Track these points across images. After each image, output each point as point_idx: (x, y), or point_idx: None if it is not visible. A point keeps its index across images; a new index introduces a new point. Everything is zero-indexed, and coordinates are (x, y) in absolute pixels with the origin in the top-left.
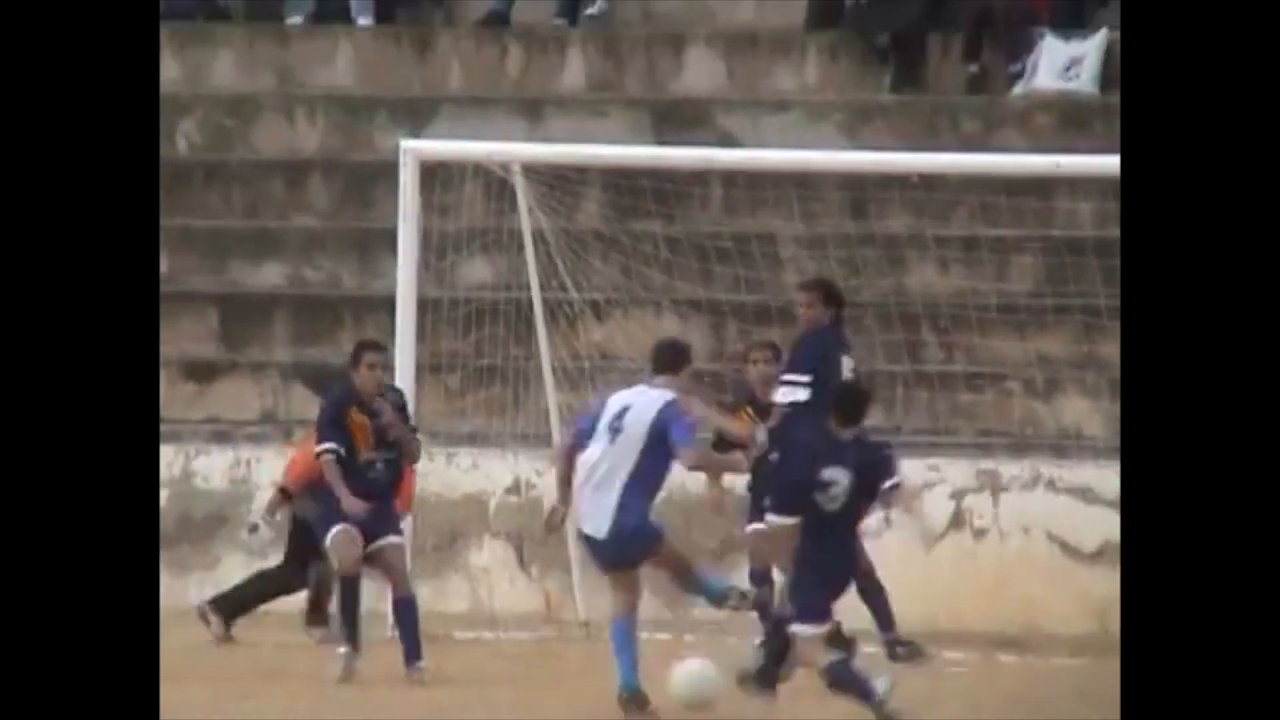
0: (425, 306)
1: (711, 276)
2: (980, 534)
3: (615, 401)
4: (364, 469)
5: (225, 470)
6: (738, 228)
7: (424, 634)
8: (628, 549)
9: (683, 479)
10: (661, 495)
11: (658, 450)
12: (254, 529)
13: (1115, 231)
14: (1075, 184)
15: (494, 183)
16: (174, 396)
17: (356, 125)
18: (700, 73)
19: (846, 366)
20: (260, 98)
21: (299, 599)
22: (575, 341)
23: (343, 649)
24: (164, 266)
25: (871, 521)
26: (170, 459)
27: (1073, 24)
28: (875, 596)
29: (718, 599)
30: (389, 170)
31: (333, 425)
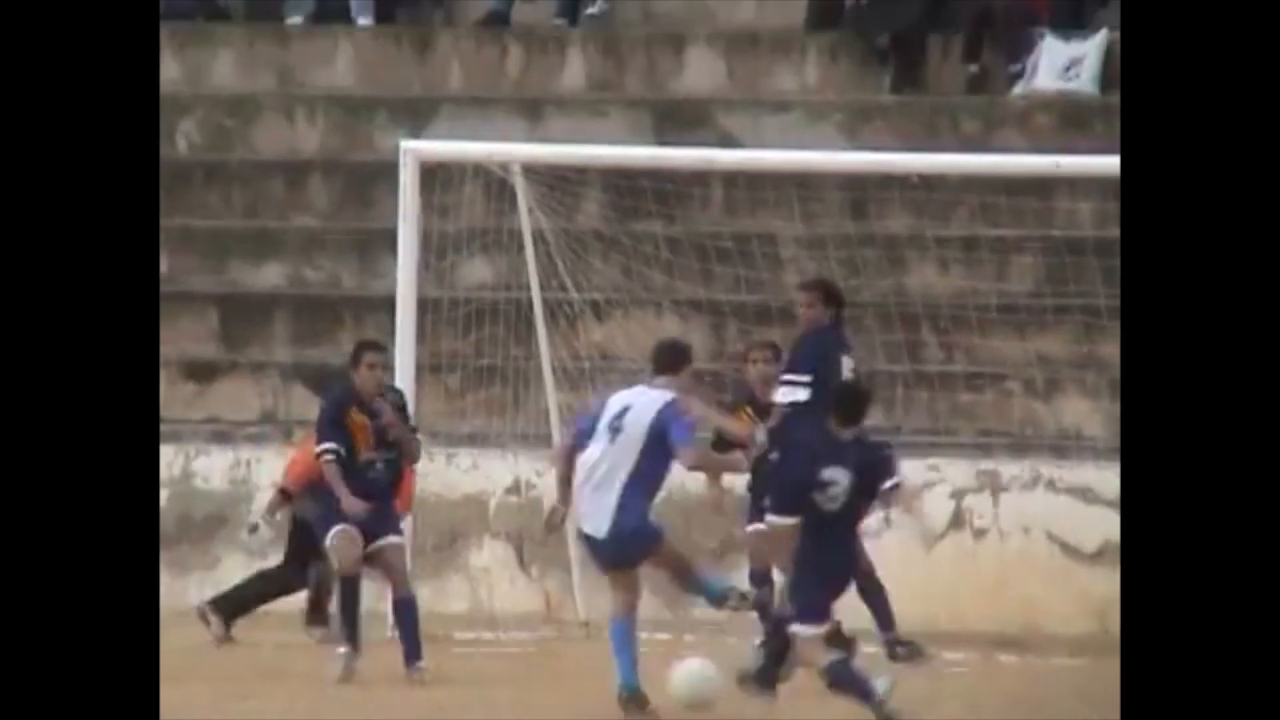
0: (425, 307)
1: (712, 277)
2: (980, 534)
3: (615, 401)
4: (364, 469)
5: (225, 470)
6: (738, 228)
7: (424, 634)
8: (627, 549)
9: (682, 479)
10: (661, 495)
11: (657, 450)
12: (254, 529)
13: (1115, 232)
14: (1075, 184)
15: (494, 183)
16: (174, 396)
17: (356, 125)
18: (700, 73)
19: (846, 366)
20: (260, 98)
21: (299, 599)
22: (575, 342)
23: (343, 649)
24: (164, 266)
25: (871, 521)
26: (170, 459)
27: (1073, 24)
28: (875, 596)
29: (717, 599)
30: (389, 170)
31: (333, 425)
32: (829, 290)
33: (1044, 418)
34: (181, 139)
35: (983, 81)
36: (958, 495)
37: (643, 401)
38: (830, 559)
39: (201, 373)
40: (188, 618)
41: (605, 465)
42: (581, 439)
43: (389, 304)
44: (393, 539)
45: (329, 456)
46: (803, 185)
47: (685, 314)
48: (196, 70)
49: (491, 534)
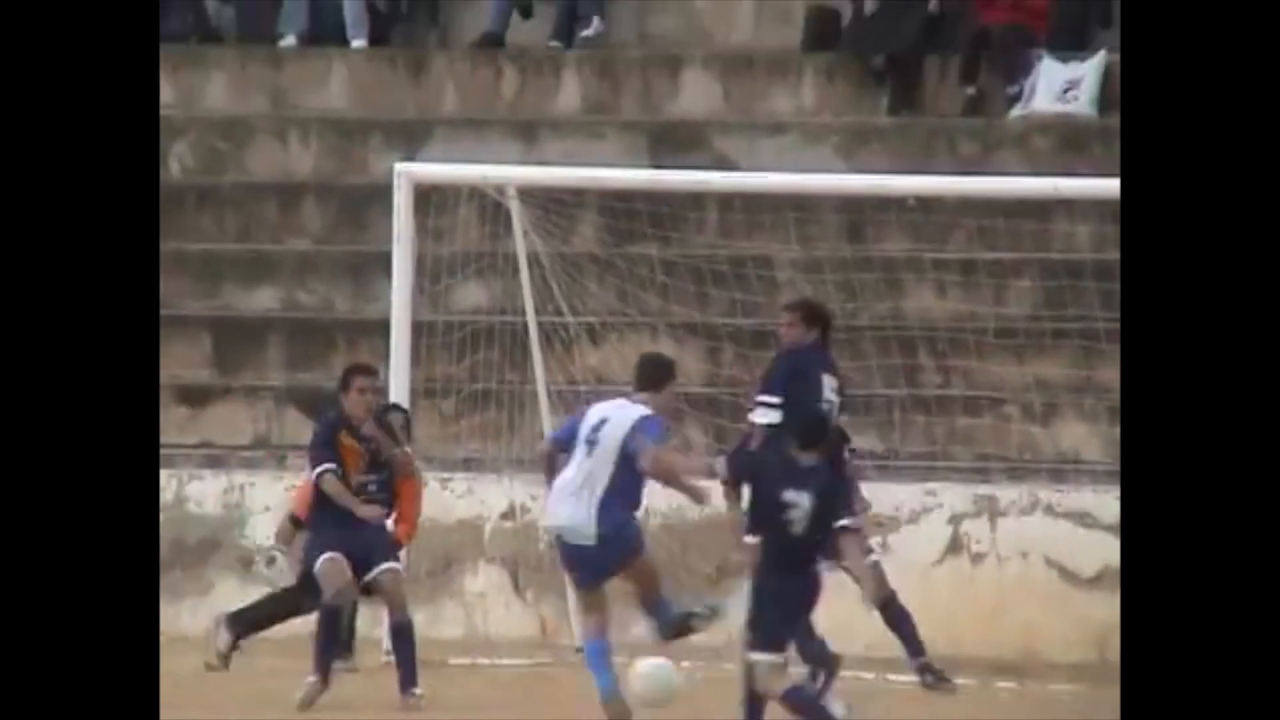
0: (420, 330)
1: (708, 300)
2: (978, 559)
3: (594, 413)
4: (356, 493)
5: (218, 495)
6: (734, 251)
7: (419, 660)
8: (614, 553)
9: (679, 504)
10: (657, 520)
11: (631, 465)
12: (271, 561)
13: (1113, 255)
14: (1073, 207)
15: (489, 206)
16: (167, 421)
17: (350, 148)
18: (696, 95)
19: (829, 387)
20: (253, 120)
21: (297, 625)
22: (571, 366)
23: (311, 677)
24: None
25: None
26: (163, 484)
27: (1070, 46)
28: (901, 624)
29: (671, 626)
30: (383, 193)
31: (325, 447)
32: (810, 310)
33: (1042, 442)
34: (174, 162)
35: (980, 103)
36: (955, 520)
37: (620, 415)
38: (790, 586)
39: (195, 397)
40: (183, 644)
41: (582, 477)
42: (558, 446)
43: (383, 328)
44: (389, 565)
45: (329, 475)
46: (799, 208)
47: (681, 337)
48: (189, 93)
49: (486, 559)
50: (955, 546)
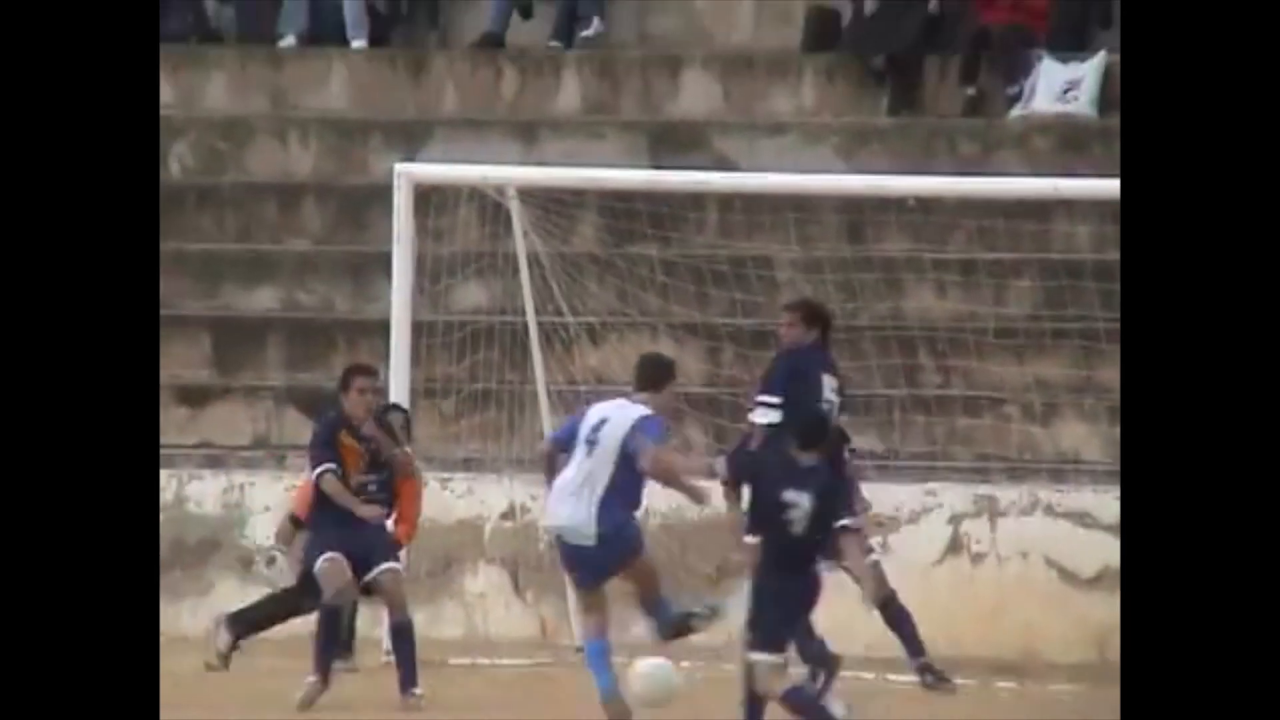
0: (420, 331)
1: (708, 300)
2: (978, 559)
3: (594, 413)
4: (356, 493)
5: (218, 495)
6: (734, 251)
7: (419, 660)
8: (614, 552)
9: (679, 504)
10: (656, 520)
11: (631, 465)
12: (272, 561)
13: (1113, 255)
14: (1073, 207)
15: (489, 206)
16: (167, 421)
17: (350, 148)
18: (696, 95)
19: (829, 387)
20: (253, 120)
21: (297, 625)
22: (571, 366)
23: (311, 677)
24: None
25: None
26: (163, 484)
27: (1070, 46)
28: (901, 623)
29: (670, 626)
30: (383, 193)
31: (325, 447)
32: (809, 310)
33: (1042, 442)
34: (174, 162)
35: (980, 104)
36: (955, 520)
37: (619, 415)
38: (789, 586)
39: (194, 397)
40: (183, 644)
41: (582, 476)
42: (558, 446)
43: (383, 328)
44: (389, 565)
45: (329, 475)
46: (799, 208)
47: (681, 337)
48: (189, 93)
49: (487, 559)
50: (955, 546)
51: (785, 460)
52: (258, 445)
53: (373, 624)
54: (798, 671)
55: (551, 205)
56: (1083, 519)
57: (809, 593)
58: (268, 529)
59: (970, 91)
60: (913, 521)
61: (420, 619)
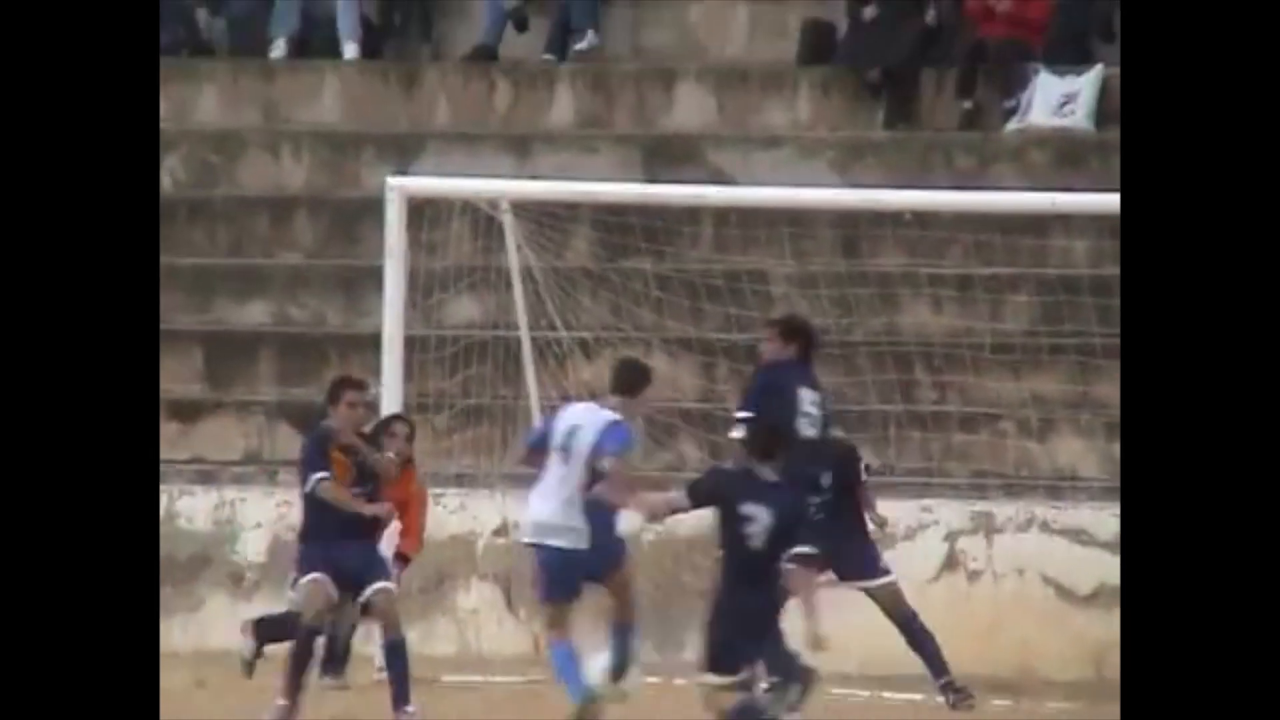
0: (412, 345)
1: (702, 315)
2: (974, 576)
3: (565, 420)
4: (341, 509)
5: (209, 511)
6: (729, 265)
7: (412, 677)
8: (606, 556)
9: (671, 521)
10: (649, 537)
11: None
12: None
13: (1110, 270)
14: (1070, 222)
15: (482, 220)
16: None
17: (343, 161)
18: (691, 108)
19: (808, 401)
20: (245, 134)
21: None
22: (564, 381)
23: (281, 700)
24: None
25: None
26: None
27: (1067, 60)
28: (923, 643)
29: (614, 671)
30: (375, 207)
31: (320, 457)
32: (788, 326)
33: (1039, 458)
34: (166, 175)
35: (976, 117)
36: (951, 537)
37: (590, 420)
38: (749, 604)
39: (186, 412)
40: (173, 660)
41: (558, 482)
42: (533, 452)
43: (375, 342)
44: (381, 584)
45: (325, 483)
46: (794, 222)
47: (675, 352)
48: (181, 106)
49: (479, 575)
50: (951, 563)
51: (746, 474)
52: (249, 460)
53: (364, 641)
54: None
55: (545, 219)
56: (1079, 536)
57: (770, 610)
58: (259, 545)
59: (966, 105)
60: (909, 538)
61: (413, 635)
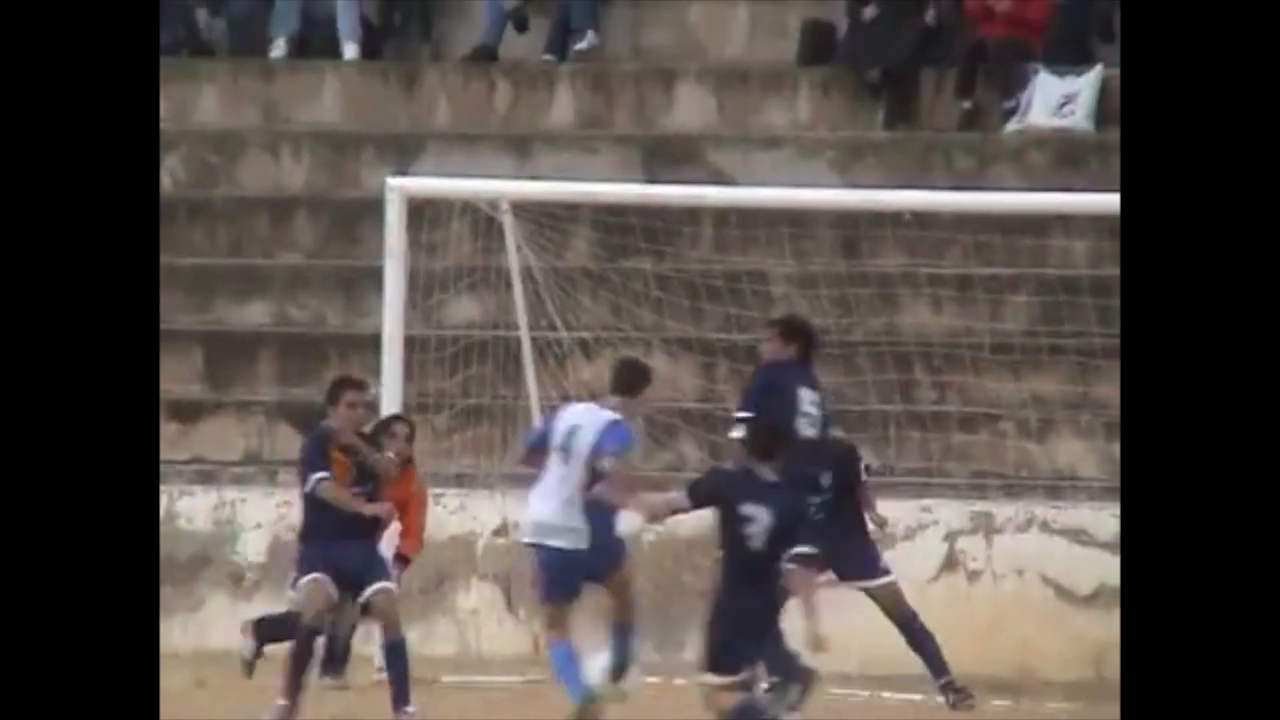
0: (412, 345)
1: (702, 315)
2: (974, 576)
3: (565, 420)
4: (341, 509)
5: (209, 511)
6: (729, 265)
7: (412, 677)
8: (606, 556)
9: (672, 521)
10: (649, 537)
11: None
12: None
13: (1110, 270)
14: (1070, 222)
15: (482, 220)
16: None
17: (343, 162)
18: (691, 109)
19: (807, 401)
20: (245, 134)
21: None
22: (564, 381)
23: (281, 700)
24: None
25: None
26: None
27: (1067, 60)
28: (923, 644)
29: (613, 671)
30: (375, 207)
31: (320, 457)
32: (788, 326)
33: (1038, 459)
34: (166, 175)
35: (976, 118)
36: (951, 537)
37: (590, 420)
38: (749, 605)
39: (186, 412)
40: (173, 660)
41: (561, 483)
42: (533, 452)
43: (375, 342)
44: (381, 584)
45: (326, 482)
46: (794, 222)
47: (675, 352)
48: (181, 106)
49: (479, 576)
50: (951, 564)
51: (746, 474)
52: (249, 461)
53: (364, 641)
54: (762, 686)
55: (545, 219)
56: (1079, 536)
57: (771, 611)
58: (259, 545)
59: (966, 105)
60: (908, 538)
61: (413, 636)
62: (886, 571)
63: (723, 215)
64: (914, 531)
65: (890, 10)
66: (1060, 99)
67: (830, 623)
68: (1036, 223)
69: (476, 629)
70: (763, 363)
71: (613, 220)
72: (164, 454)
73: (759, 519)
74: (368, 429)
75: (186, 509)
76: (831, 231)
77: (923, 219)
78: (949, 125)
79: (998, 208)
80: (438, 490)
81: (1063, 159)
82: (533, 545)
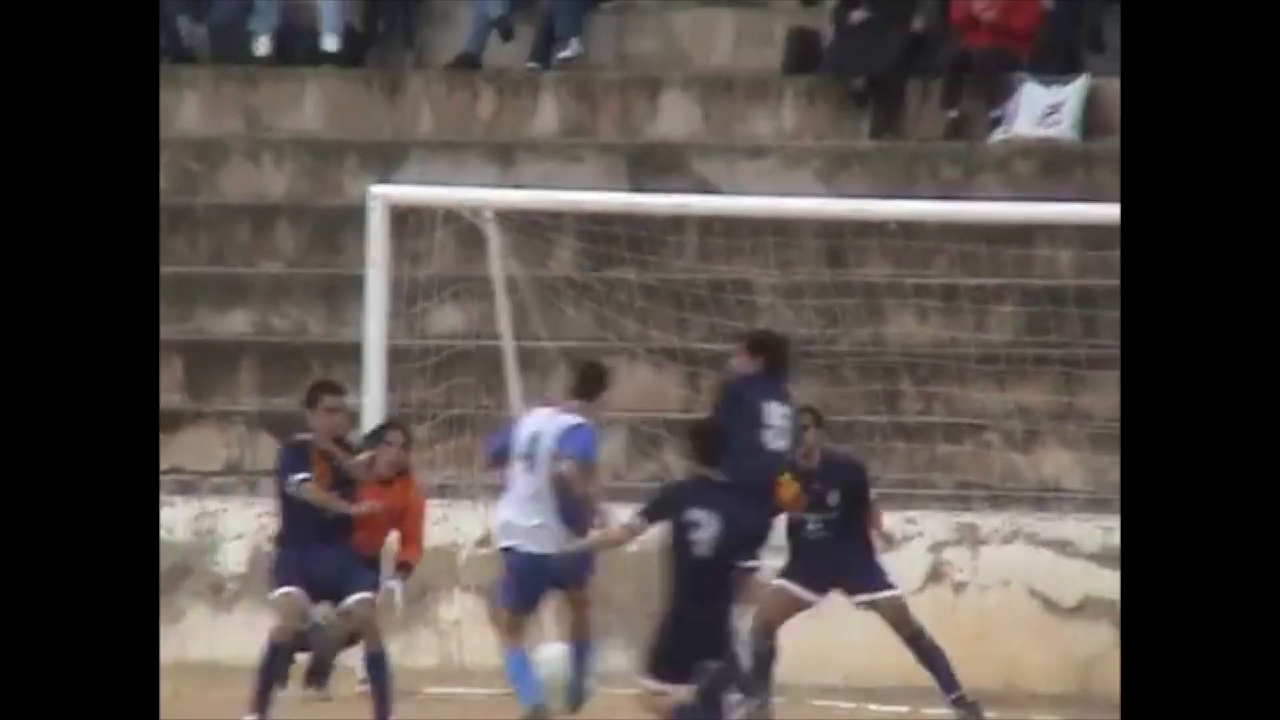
0: (395, 355)
1: (687, 325)
2: (959, 588)
3: (526, 427)
4: (319, 513)
5: (189, 521)
6: (713, 275)
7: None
8: (577, 562)
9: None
10: (632, 549)
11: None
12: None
13: (1096, 280)
14: (1055, 232)
15: (465, 228)
16: None
17: (325, 170)
18: (675, 117)
19: (776, 414)
20: (227, 141)
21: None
22: (547, 391)
23: (248, 716)
24: None
25: None
26: None
27: (1052, 70)
28: (931, 659)
29: (575, 693)
30: (358, 215)
31: (300, 460)
32: (754, 340)
33: (1024, 469)
34: None
35: (962, 127)
36: (936, 548)
37: (550, 427)
38: (697, 616)
39: (166, 422)
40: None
41: (531, 490)
42: (497, 460)
43: (357, 352)
44: (361, 595)
45: (307, 484)
46: (779, 232)
47: (660, 362)
48: (162, 113)
49: (461, 587)
50: (936, 575)
51: (695, 481)
52: (230, 471)
53: (347, 652)
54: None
55: (529, 228)
56: (1064, 548)
57: (721, 621)
58: (239, 556)
59: (952, 115)
60: (894, 549)
61: (394, 648)
62: (892, 585)
63: (707, 224)
64: (899, 542)
65: (876, 17)
66: (1046, 109)
67: (816, 635)
68: (1022, 233)
69: (459, 640)
70: (730, 376)
71: (597, 229)
72: None
73: (705, 525)
74: (356, 437)
75: (167, 519)
76: (816, 241)
77: (908, 228)
78: (934, 134)
79: (983, 217)
80: None
81: (1048, 169)
82: (504, 549)
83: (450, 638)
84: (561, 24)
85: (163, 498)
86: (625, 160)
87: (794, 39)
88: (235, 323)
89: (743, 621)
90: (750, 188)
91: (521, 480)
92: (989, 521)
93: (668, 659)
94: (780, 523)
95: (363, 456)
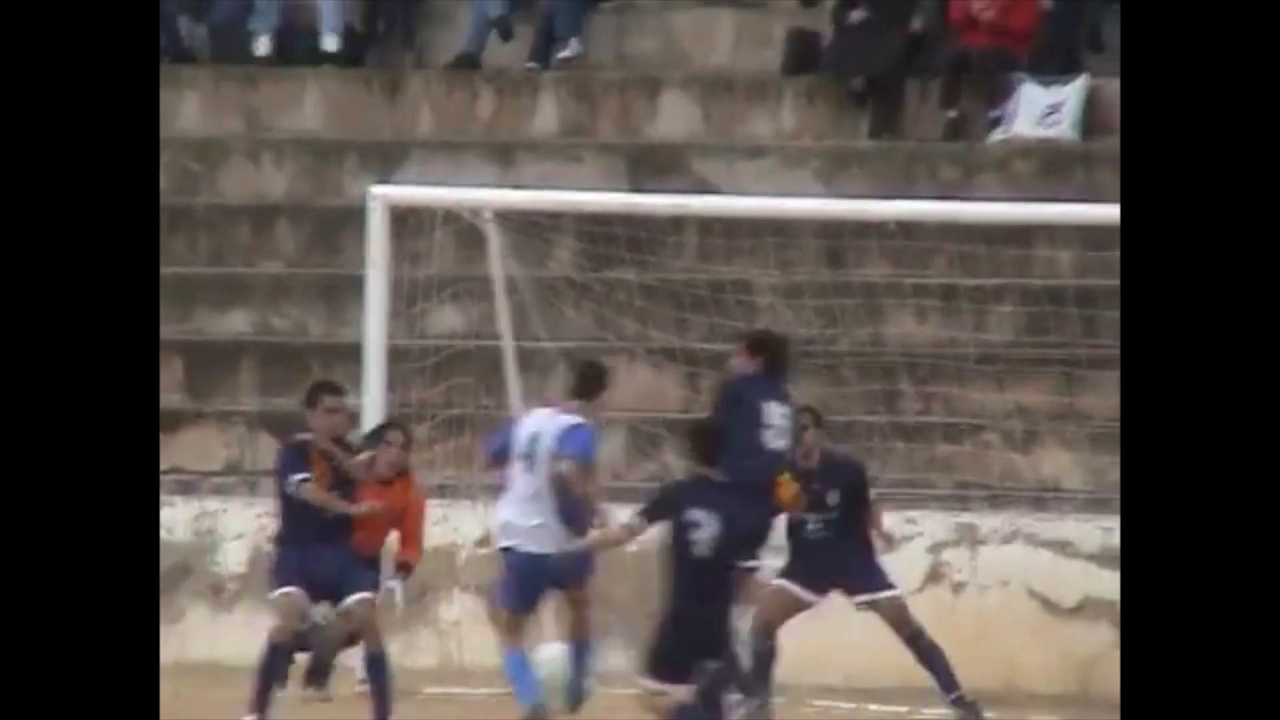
0: (394, 355)
1: (686, 325)
2: (958, 588)
3: (525, 427)
4: (319, 513)
5: (189, 522)
6: (713, 275)
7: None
8: (573, 566)
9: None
10: (632, 549)
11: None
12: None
13: (1095, 280)
14: (1055, 232)
15: (465, 229)
16: None
17: (325, 170)
18: (675, 117)
19: (775, 414)
20: (227, 141)
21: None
22: (547, 391)
23: (248, 716)
24: None
25: None
26: None
27: (1052, 70)
28: (931, 659)
29: (574, 693)
30: (357, 215)
31: (301, 460)
32: (753, 340)
33: (1023, 470)
34: None
35: (961, 127)
36: (935, 548)
37: (550, 427)
38: (697, 617)
39: (166, 422)
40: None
41: (531, 490)
42: (497, 461)
43: (357, 352)
44: (360, 595)
45: (307, 484)
46: (779, 232)
47: (659, 362)
48: (162, 113)
49: (461, 587)
50: (935, 575)
51: (694, 480)
52: (230, 471)
53: (347, 652)
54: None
55: (528, 228)
56: (1064, 548)
57: (721, 620)
58: (239, 556)
59: (951, 115)
60: (893, 550)
61: (394, 648)
62: (891, 585)
63: (707, 225)
64: (898, 543)
65: (875, 18)
66: (1045, 109)
67: (815, 635)
68: (1021, 233)
69: (458, 640)
70: (729, 376)
71: (596, 229)
72: None
73: (705, 525)
74: (357, 437)
75: (167, 519)
76: (816, 241)
77: (907, 229)
78: (934, 135)
79: (982, 218)
80: None
81: (1048, 169)
82: (504, 549)
83: (450, 638)
84: (561, 24)
85: (163, 498)
86: (625, 160)
87: (793, 39)
88: (235, 323)
89: (743, 621)
90: (750, 188)
91: (521, 480)
92: (988, 522)
93: (667, 659)
94: (780, 523)
95: (363, 456)
